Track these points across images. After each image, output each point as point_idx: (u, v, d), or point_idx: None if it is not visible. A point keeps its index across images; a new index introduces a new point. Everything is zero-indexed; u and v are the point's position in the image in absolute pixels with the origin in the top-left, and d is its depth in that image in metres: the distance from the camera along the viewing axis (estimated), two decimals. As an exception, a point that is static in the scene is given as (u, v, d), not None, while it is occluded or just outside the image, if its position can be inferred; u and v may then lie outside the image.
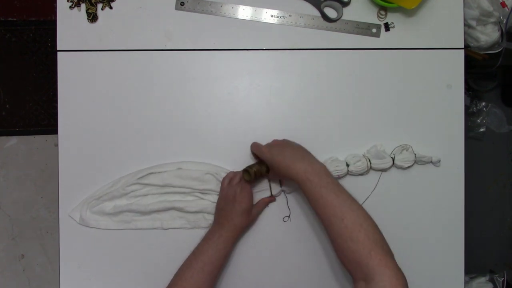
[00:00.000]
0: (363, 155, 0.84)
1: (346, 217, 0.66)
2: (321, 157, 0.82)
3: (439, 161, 0.86)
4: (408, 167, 0.85)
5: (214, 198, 0.82)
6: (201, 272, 0.73)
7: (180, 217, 0.82)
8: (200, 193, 0.82)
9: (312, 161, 0.74)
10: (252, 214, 0.80)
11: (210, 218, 0.82)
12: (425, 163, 0.86)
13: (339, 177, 0.83)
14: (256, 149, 0.80)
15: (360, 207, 0.69)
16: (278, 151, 0.76)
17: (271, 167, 0.77)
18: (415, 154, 0.84)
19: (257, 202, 0.82)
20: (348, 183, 0.84)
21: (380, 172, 0.85)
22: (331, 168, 0.81)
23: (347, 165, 0.82)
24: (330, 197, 0.68)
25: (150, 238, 0.83)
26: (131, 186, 0.81)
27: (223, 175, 0.82)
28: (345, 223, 0.66)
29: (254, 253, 0.84)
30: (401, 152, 0.85)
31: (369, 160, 0.83)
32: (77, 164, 0.83)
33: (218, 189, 0.82)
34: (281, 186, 0.82)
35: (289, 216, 0.84)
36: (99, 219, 0.82)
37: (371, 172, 0.85)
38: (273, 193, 0.82)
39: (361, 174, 0.84)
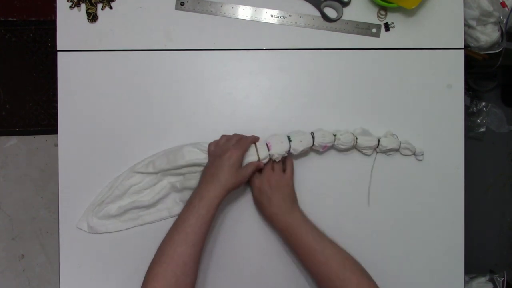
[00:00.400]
0: (351, 132, 0.84)
1: (329, 260, 0.72)
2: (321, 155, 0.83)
3: (422, 154, 0.86)
4: (392, 150, 0.84)
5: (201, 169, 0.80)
6: (184, 244, 0.68)
7: (182, 200, 0.81)
8: (191, 168, 0.81)
9: (294, 210, 0.78)
10: (240, 173, 0.74)
11: None
12: (409, 152, 0.85)
13: (326, 147, 0.82)
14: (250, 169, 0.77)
15: (340, 249, 0.75)
16: (268, 194, 0.77)
17: (256, 201, 0.80)
18: (400, 142, 0.84)
19: (245, 165, 0.78)
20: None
21: (372, 165, 0.85)
22: (319, 136, 0.81)
23: (334, 135, 0.82)
24: (313, 245, 0.73)
25: (150, 237, 0.83)
26: (129, 180, 0.81)
27: (206, 146, 0.80)
28: (329, 265, 0.72)
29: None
30: (386, 136, 0.85)
31: (356, 137, 0.83)
32: (77, 164, 0.83)
33: (203, 158, 0.79)
34: (268, 150, 0.80)
35: None
36: (107, 223, 0.82)
37: (362, 164, 0.85)
38: (261, 157, 0.79)
39: (347, 150, 0.84)
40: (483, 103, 1.54)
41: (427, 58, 0.87)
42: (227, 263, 0.83)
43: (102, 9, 0.83)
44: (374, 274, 0.83)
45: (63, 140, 0.83)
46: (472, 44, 1.00)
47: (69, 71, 0.83)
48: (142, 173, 0.81)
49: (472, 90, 1.55)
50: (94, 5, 0.82)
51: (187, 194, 0.77)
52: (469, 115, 1.55)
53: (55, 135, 0.82)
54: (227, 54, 0.85)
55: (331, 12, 0.86)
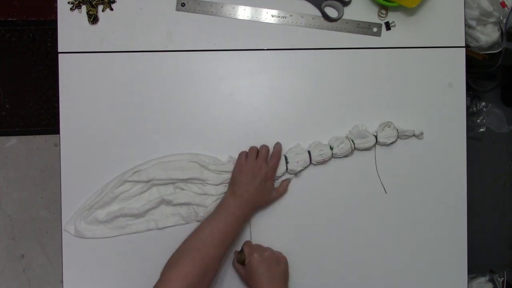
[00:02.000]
0: (346, 136, 0.84)
1: None
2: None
3: (422, 133, 0.86)
4: (392, 143, 0.84)
5: (198, 188, 0.81)
6: (192, 262, 0.69)
7: (173, 214, 0.82)
8: (183, 183, 0.81)
9: None
10: (272, 195, 0.81)
11: (200, 210, 0.81)
12: (408, 137, 0.86)
13: (324, 161, 0.83)
14: (247, 247, 0.79)
15: None
16: (263, 269, 0.75)
17: (248, 278, 0.77)
18: (397, 129, 0.84)
19: (279, 186, 0.82)
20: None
21: (375, 162, 0.85)
22: (315, 153, 0.82)
23: (331, 148, 0.83)
24: None
25: (152, 239, 0.83)
26: (119, 188, 0.81)
27: (207, 161, 0.81)
28: None
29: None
30: (383, 129, 0.85)
31: (352, 141, 0.83)
32: (78, 165, 0.83)
33: (202, 177, 0.81)
34: (287, 170, 0.82)
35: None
36: (94, 228, 0.81)
37: (358, 157, 0.85)
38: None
39: (346, 156, 0.84)
40: (483, 103, 1.54)
41: (428, 57, 0.87)
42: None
43: (102, 10, 0.83)
44: (376, 274, 0.83)
45: (64, 140, 0.83)
46: (472, 44, 1.00)
47: (70, 73, 0.83)
48: (133, 181, 0.81)
49: (472, 90, 1.55)
50: (95, 6, 0.82)
51: (179, 209, 0.81)
52: (469, 115, 1.55)
53: (55, 135, 0.82)
54: (228, 54, 0.84)
55: (331, 12, 0.86)
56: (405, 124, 0.86)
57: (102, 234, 0.82)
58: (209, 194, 0.81)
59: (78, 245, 0.83)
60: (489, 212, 1.59)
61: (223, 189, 0.81)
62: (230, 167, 0.81)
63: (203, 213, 0.81)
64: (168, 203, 0.81)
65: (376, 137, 0.84)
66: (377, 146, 0.85)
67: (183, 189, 0.81)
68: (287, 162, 0.81)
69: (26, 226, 1.63)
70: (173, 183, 0.81)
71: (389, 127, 0.84)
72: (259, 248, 0.79)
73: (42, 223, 1.63)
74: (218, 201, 0.80)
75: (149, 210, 0.81)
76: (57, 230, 0.83)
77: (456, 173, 0.87)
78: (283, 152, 0.83)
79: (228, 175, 0.81)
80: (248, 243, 0.80)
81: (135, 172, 0.81)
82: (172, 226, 0.83)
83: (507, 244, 1.61)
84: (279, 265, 0.78)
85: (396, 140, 0.84)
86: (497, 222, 1.60)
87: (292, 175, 0.84)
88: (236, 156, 0.82)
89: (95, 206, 0.81)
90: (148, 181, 0.81)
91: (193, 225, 0.81)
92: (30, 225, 1.63)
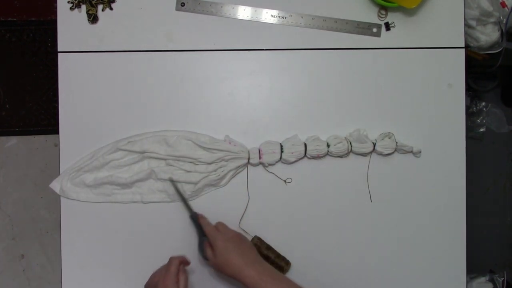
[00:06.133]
0: (345, 137, 0.84)
1: None
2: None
3: (420, 152, 0.86)
4: (388, 154, 0.84)
5: (190, 167, 0.81)
6: None
7: (160, 190, 0.82)
8: (175, 160, 0.81)
9: (262, 263, 0.74)
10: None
11: (188, 188, 0.81)
12: (405, 152, 0.86)
13: (319, 157, 0.83)
14: (209, 231, 0.76)
15: None
16: (232, 247, 0.73)
17: (220, 260, 0.74)
18: (396, 142, 0.84)
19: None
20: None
21: (367, 169, 0.85)
22: (311, 147, 0.82)
23: (328, 145, 0.83)
24: None
25: (153, 239, 0.83)
26: (111, 155, 0.81)
27: (202, 139, 0.81)
28: None
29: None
30: (383, 139, 0.85)
31: (350, 143, 0.83)
32: (77, 165, 0.83)
33: (194, 155, 0.80)
34: (260, 158, 0.82)
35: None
36: (79, 191, 0.82)
37: (353, 159, 0.85)
38: (252, 163, 0.82)
39: (341, 156, 0.84)
40: (483, 103, 1.54)
41: (428, 57, 0.87)
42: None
43: (102, 10, 0.83)
44: (376, 274, 0.83)
45: (64, 140, 0.83)
46: (472, 44, 1.00)
47: (70, 72, 0.83)
48: (126, 150, 0.81)
49: (472, 90, 1.55)
50: (95, 6, 0.82)
51: (167, 186, 0.81)
52: (469, 115, 1.55)
53: (55, 135, 0.82)
54: (228, 54, 0.85)
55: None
56: (403, 123, 0.86)
57: (86, 198, 0.82)
58: (199, 172, 0.81)
59: (78, 245, 0.83)
60: (489, 212, 1.59)
61: (213, 167, 0.81)
62: (224, 146, 0.81)
63: (190, 191, 0.81)
64: (156, 175, 0.81)
65: (374, 145, 0.84)
66: (373, 153, 0.85)
67: (177, 167, 0.81)
68: (282, 151, 0.82)
69: (26, 226, 1.63)
70: (165, 159, 0.81)
71: (389, 138, 0.84)
72: (221, 229, 0.76)
73: (42, 223, 1.63)
74: (206, 178, 0.80)
75: (137, 181, 0.81)
76: (57, 230, 0.83)
77: (455, 173, 0.87)
78: (280, 140, 0.83)
79: (221, 154, 0.81)
80: (208, 230, 0.77)
81: (129, 142, 0.81)
82: (157, 202, 0.82)
83: (507, 244, 1.61)
84: (245, 241, 0.76)
85: (393, 152, 0.85)
86: (497, 222, 1.60)
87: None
88: (234, 137, 0.83)
89: (84, 169, 0.81)
90: (141, 152, 0.81)
91: (177, 204, 0.82)
92: (30, 225, 1.63)
